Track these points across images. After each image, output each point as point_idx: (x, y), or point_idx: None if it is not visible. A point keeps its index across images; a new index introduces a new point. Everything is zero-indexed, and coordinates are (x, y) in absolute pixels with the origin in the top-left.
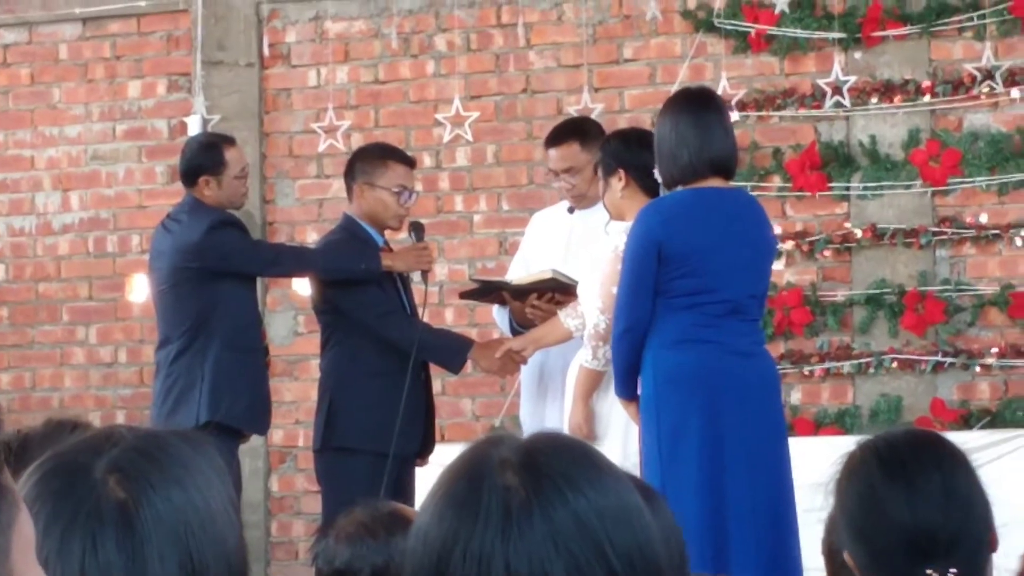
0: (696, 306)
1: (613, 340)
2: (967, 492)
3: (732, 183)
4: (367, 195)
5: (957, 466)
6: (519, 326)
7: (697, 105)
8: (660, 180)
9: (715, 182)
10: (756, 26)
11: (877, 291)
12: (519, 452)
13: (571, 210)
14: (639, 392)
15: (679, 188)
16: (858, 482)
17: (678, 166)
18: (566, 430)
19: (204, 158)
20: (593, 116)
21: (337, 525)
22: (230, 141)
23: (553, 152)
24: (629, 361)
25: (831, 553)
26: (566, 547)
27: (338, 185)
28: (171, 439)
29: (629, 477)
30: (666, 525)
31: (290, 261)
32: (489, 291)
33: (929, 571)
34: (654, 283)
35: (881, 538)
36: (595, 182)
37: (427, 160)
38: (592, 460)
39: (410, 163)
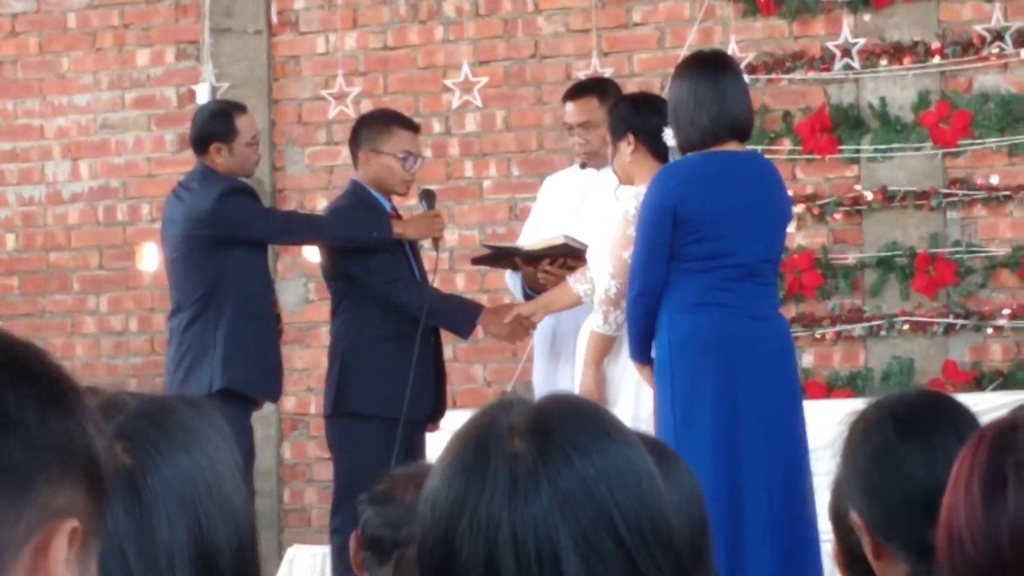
0: (711, 270)
1: (628, 303)
2: None
3: (746, 146)
4: (373, 162)
5: (970, 426)
6: (532, 291)
7: (714, 68)
8: (672, 144)
9: (732, 145)
10: None
11: (888, 253)
12: (528, 417)
13: (583, 166)
14: (653, 355)
15: (694, 152)
16: (873, 440)
17: (697, 130)
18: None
19: (215, 125)
20: None
21: (395, 490)
22: (241, 108)
23: (571, 106)
24: (644, 324)
25: (838, 517)
26: (573, 515)
27: (348, 152)
28: (176, 404)
29: (648, 439)
30: (686, 491)
31: (302, 229)
32: (501, 257)
33: None
34: (669, 247)
35: (897, 496)
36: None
37: (436, 126)
38: (602, 425)
39: (414, 128)
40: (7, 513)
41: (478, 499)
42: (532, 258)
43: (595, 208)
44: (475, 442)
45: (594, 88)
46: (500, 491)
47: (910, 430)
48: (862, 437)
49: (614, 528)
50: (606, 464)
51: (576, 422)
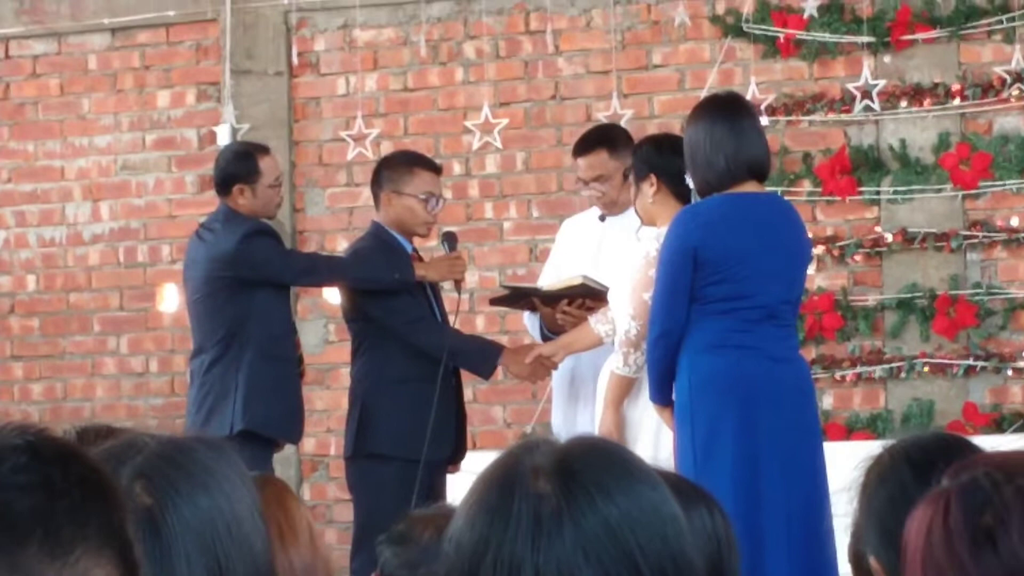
0: (731, 311)
1: (648, 345)
2: None
3: (765, 187)
4: (394, 203)
5: None
6: (550, 332)
7: (730, 110)
8: (693, 186)
9: (751, 186)
10: (785, 31)
11: (908, 295)
12: (552, 459)
13: (603, 218)
14: (674, 398)
15: (714, 194)
16: (889, 485)
17: (714, 172)
18: None
19: (238, 167)
20: (622, 122)
21: (412, 530)
22: (264, 150)
23: (581, 161)
24: (664, 366)
25: (857, 560)
26: (596, 556)
27: (368, 193)
28: (195, 445)
29: (676, 478)
30: (719, 533)
31: (323, 270)
32: (520, 297)
33: None
34: (689, 288)
35: None
36: (625, 188)
37: (457, 167)
38: (627, 467)
39: (436, 170)
40: (46, 570)
41: (502, 539)
42: (551, 299)
43: (614, 250)
44: (499, 482)
45: (602, 140)
46: (524, 531)
47: (925, 474)
48: (877, 482)
49: (637, 570)
50: (630, 506)
51: (601, 463)
